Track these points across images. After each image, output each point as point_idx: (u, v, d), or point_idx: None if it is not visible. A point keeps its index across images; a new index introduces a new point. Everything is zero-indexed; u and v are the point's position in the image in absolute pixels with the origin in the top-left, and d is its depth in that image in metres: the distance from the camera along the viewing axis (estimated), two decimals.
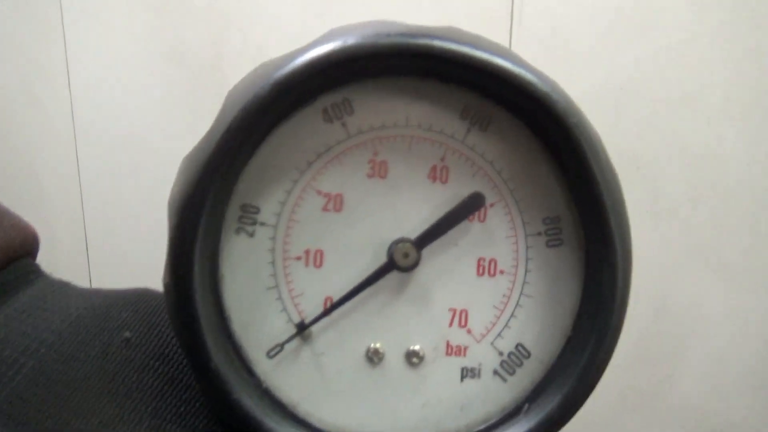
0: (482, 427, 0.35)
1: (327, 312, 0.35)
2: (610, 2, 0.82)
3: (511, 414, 0.35)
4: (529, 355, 0.37)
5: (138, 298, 0.40)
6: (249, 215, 0.36)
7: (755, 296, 0.89)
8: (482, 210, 0.37)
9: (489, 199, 0.37)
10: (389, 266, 0.35)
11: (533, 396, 0.35)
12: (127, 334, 0.37)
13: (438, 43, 0.33)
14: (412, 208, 0.37)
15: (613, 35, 0.82)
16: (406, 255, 0.36)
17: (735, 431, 0.93)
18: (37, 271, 0.40)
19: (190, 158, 0.34)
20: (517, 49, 0.90)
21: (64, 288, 0.39)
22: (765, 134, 0.83)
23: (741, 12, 0.78)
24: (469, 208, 0.36)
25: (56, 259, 1.03)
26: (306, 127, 0.36)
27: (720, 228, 0.87)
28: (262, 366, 0.34)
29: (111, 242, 1.01)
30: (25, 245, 0.39)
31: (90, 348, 0.34)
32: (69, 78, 0.97)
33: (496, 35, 0.85)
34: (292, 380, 0.35)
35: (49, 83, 0.99)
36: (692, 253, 0.89)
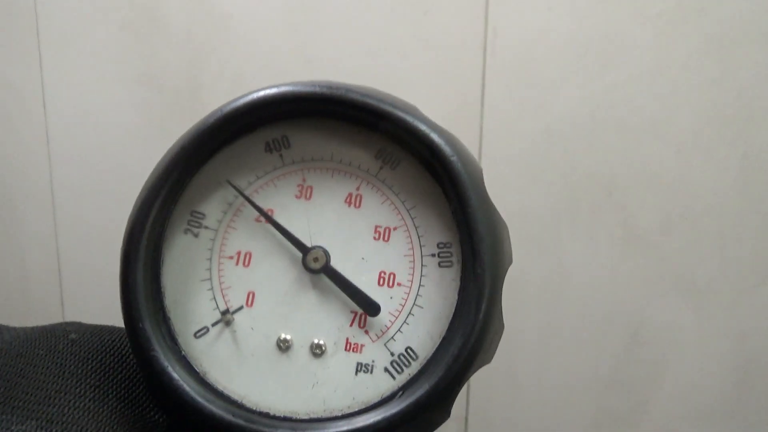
0: (363, 407, 0.41)
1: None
2: (580, 33, 0.85)
3: (387, 399, 0.41)
4: (416, 357, 0.43)
5: (79, 323, 0.47)
6: (197, 219, 0.44)
7: (725, 321, 0.88)
8: (387, 231, 0.45)
9: (393, 223, 0.45)
10: (303, 251, 0.44)
11: (407, 385, 0.41)
12: (73, 335, 0.43)
13: (348, 94, 0.42)
14: (329, 225, 0.45)
15: (583, 65, 0.85)
16: (316, 259, 0.44)
17: None
18: None
19: (153, 168, 0.43)
20: (491, 80, 0.94)
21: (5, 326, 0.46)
22: (730, 162, 0.85)
23: (706, 45, 0.83)
24: (365, 303, 0.43)
25: (28, 282, 1.03)
26: (248, 153, 0.45)
27: (690, 254, 0.87)
28: (185, 337, 0.42)
29: (84, 266, 1.01)
30: None
31: (38, 348, 0.41)
32: (44, 101, 0.97)
33: (470, 66, 0.88)
34: (209, 354, 0.42)
35: (24, 106, 0.99)
36: (664, 280, 0.88)
